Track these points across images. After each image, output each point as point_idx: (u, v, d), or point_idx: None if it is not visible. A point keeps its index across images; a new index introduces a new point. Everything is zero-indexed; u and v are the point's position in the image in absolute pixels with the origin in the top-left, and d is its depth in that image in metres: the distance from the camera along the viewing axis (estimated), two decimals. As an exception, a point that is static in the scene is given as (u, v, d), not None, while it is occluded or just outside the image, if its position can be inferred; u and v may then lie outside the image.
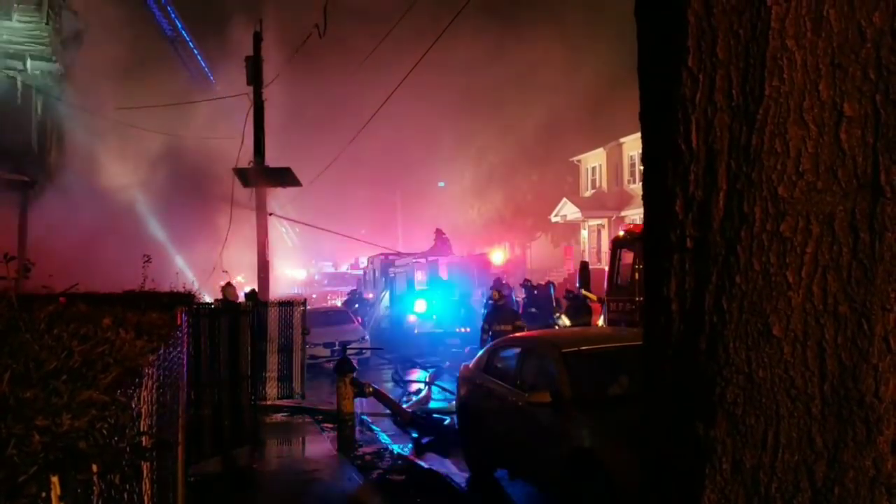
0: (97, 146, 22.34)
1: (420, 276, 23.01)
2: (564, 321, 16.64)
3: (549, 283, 18.47)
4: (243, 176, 17.82)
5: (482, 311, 16.42)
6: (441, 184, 48.38)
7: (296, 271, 42.09)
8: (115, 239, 19.18)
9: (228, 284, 11.87)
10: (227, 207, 17.92)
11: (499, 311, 14.77)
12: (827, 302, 2.03)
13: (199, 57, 32.56)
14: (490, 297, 15.25)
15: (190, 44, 30.88)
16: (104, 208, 20.46)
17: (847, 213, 2.01)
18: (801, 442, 2.05)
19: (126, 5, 24.39)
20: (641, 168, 2.58)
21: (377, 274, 27.43)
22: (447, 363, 17.77)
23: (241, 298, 11.19)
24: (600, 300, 15.31)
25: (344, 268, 38.68)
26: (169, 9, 30.70)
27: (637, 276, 13.35)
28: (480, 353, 9.66)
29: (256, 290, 16.80)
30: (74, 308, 2.97)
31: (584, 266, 16.39)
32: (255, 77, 18.48)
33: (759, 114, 2.05)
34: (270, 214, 18.52)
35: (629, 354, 6.82)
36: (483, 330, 14.60)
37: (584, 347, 7.46)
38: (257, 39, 18.75)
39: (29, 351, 1.90)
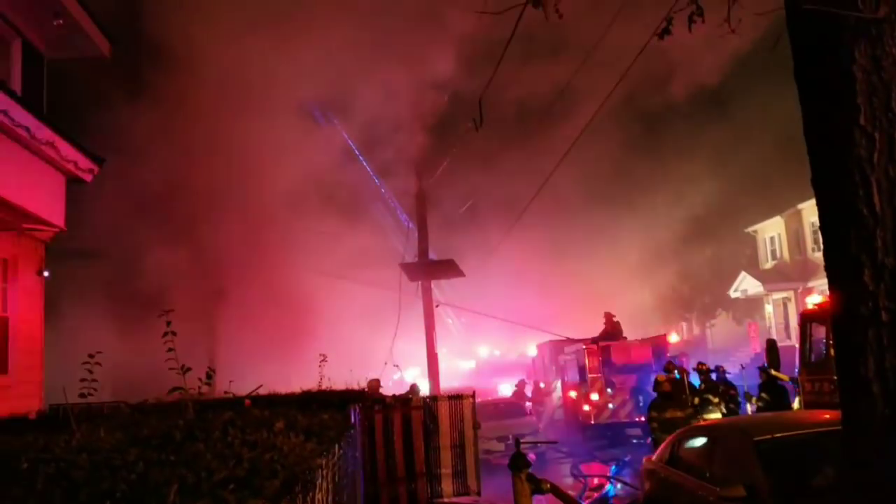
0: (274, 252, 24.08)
1: (592, 363, 22.32)
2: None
3: (718, 367, 17.15)
4: (409, 270, 18.47)
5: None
6: None
7: (464, 361, 42.32)
8: (295, 338, 20.28)
9: (373, 380, 12.15)
10: (396, 300, 18.54)
11: (666, 397, 13.99)
12: None
13: (364, 162, 34.63)
14: (656, 382, 14.45)
15: (355, 150, 32.97)
16: (284, 310, 21.79)
17: None
18: None
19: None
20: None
21: (546, 361, 26.97)
22: (628, 455, 16.93)
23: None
24: (793, 380, 14.10)
25: (512, 357, 38.39)
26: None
27: (832, 352, 12.21)
28: (663, 443, 9.12)
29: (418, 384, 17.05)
30: (251, 413, 3.10)
31: (771, 344, 15.25)
32: (417, 177, 19.40)
33: (951, 169, 1.83)
34: (437, 306, 18.93)
35: (831, 440, 6.15)
36: (650, 419, 13.83)
37: (778, 434, 6.85)
38: (419, 144, 19.81)
39: (201, 461, 1.98)
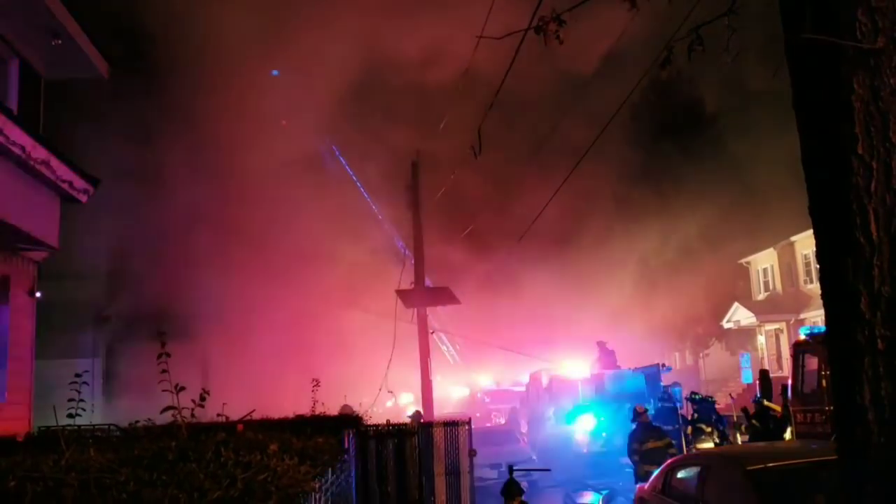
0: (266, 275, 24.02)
1: (585, 392, 22.22)
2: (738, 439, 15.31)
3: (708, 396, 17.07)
4: (405, 297, 18.42)
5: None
6: None
7: (458, 388, 42.11)
8: (289, 363, 20.15)
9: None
10: (390, 326, 18.46)
11: (645, 427, 13.91)
12: None
13: (361, 186, 34.73)
14: (634, 413, 14.36)
15: (352, 175, 33.08)
16: (278, 335, 21.67)
17: None
18: None
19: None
20: (818, 266, 2.39)
21: (540, 389, 26.83)
22: (621, 484, 16.78)
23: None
24: (784, 411, 14.07)
25: (507, 384, 38.20)
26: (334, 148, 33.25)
27: (824, 383, 12.21)
28: (656, 472, 9.06)
29: (421, 410, 16.95)
30: (244, 436, 3.07)
31: (764, 374, 15.20)
32: (413, 203, 19.40)
33: (950, 197, 1.84)
34: (432, 332, 18.87)
35: (825, 470, 6.13)
36: (631, 451, 13.73)
37: (771, 464, 6.81)
38: (415, 169, 19.80)
39: (194, 480, 1.96)
